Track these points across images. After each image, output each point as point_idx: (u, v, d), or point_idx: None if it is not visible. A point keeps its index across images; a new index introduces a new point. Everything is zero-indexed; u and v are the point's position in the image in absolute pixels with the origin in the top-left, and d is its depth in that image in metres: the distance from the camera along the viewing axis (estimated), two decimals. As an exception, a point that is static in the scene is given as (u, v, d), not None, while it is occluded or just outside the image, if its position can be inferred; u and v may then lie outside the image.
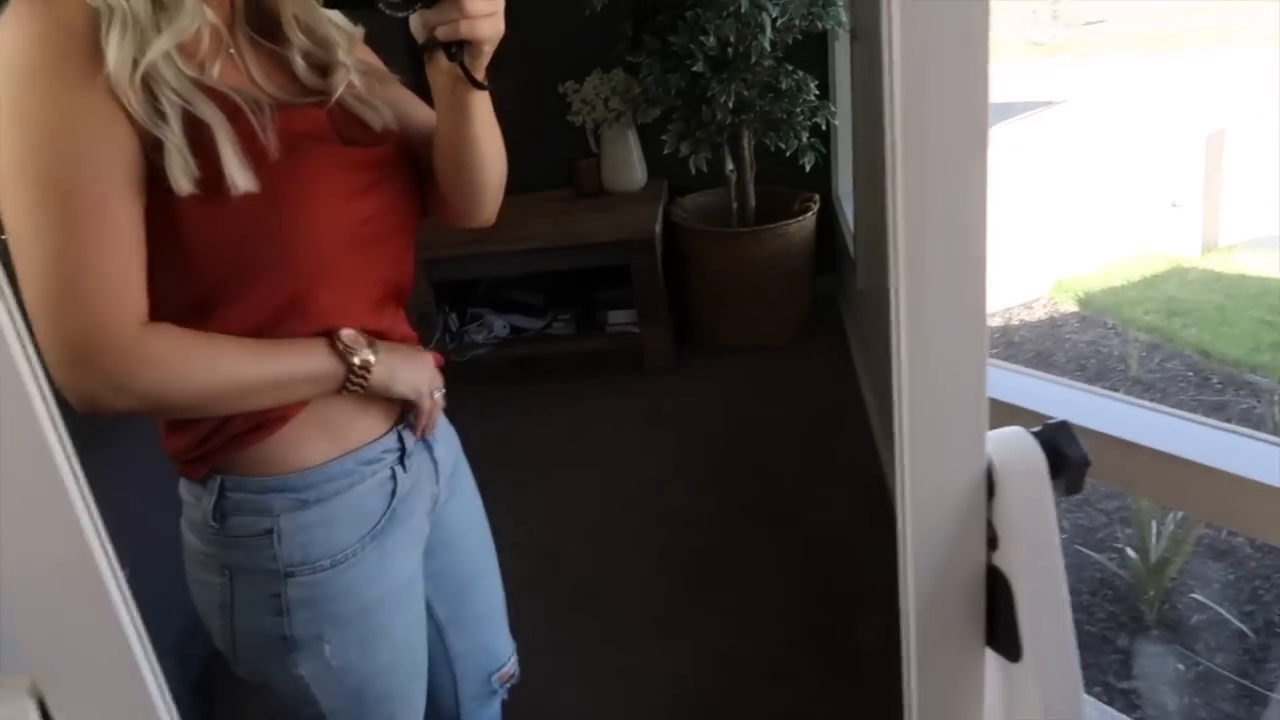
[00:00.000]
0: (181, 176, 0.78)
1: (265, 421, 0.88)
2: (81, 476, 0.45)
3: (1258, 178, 5.37)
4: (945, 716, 0.59)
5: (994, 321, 3.62)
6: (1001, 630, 0.56)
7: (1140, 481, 0.91)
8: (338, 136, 0.91)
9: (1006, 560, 0.51)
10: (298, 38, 0.92)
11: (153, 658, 0.46)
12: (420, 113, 0.99)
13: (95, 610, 0.44)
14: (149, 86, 0.78)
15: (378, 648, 0.97)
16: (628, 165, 3.23)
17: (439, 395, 1.01)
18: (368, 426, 0.95)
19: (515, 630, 1.22)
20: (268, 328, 0.86)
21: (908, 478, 0.51)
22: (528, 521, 2.23)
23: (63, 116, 0.76)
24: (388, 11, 0.81)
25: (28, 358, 0.44)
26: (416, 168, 0.99)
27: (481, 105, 0.90)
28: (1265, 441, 0.87)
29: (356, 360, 0.90)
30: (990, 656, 0.59)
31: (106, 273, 0.77)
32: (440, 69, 0.85)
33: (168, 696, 0.48)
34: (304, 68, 0.92)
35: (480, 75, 0.85)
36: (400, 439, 0.98)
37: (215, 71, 0.84)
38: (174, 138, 0.78)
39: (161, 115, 0.78)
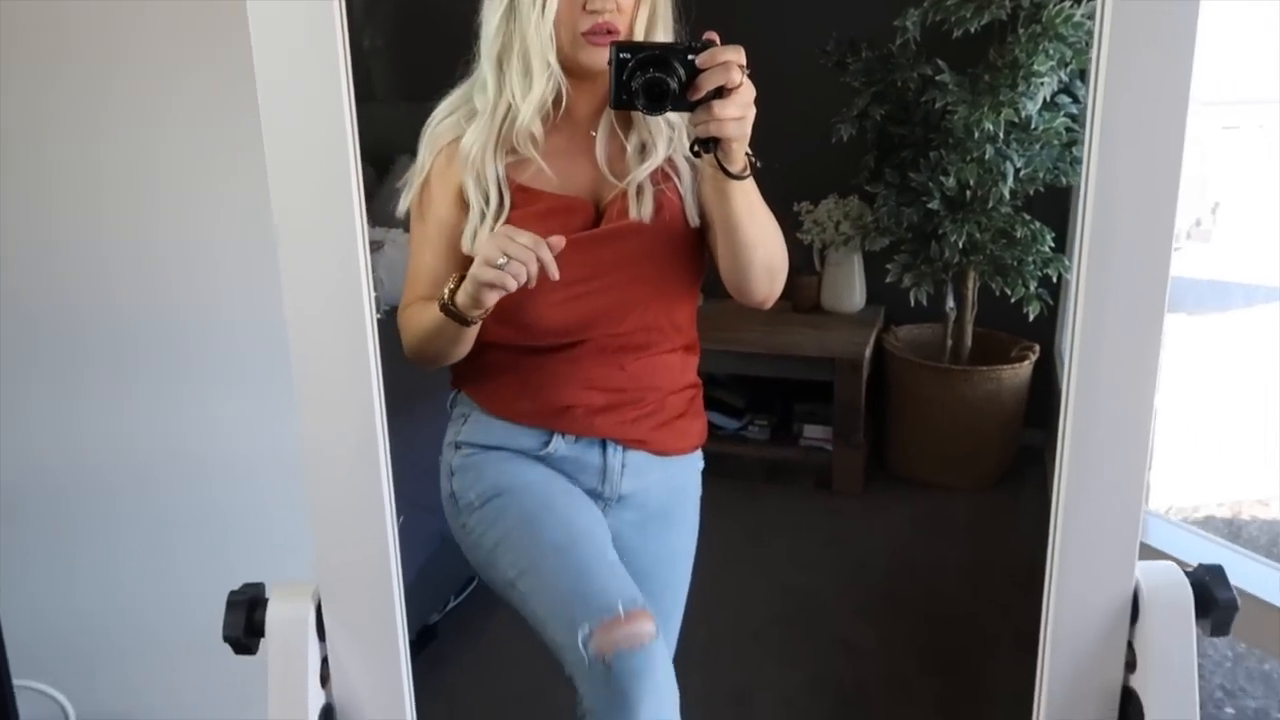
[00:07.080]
0: None
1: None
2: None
3: None
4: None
5: (1222, 512, 3.38)
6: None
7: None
8: (589, 217, 1.15)
9: (1143, 683, 0.54)
10: (639, 127, 1.15)
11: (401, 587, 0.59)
12: None
13: (374, 542, 0.57)
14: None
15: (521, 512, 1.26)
16: (848, 288, 3.31)
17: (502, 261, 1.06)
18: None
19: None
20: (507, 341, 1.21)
21: (1056, 585, 0.56)
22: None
23: None
24: (644, 113, 1.01)
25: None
26: (680, 248, 1.20)
27: (739, 193, 1.07)
28: None
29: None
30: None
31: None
32: (706, 161, 1.05)
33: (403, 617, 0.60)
34: (633, 153, 1.15)
35: (735, 167, 1.03)
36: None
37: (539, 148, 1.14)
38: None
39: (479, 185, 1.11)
